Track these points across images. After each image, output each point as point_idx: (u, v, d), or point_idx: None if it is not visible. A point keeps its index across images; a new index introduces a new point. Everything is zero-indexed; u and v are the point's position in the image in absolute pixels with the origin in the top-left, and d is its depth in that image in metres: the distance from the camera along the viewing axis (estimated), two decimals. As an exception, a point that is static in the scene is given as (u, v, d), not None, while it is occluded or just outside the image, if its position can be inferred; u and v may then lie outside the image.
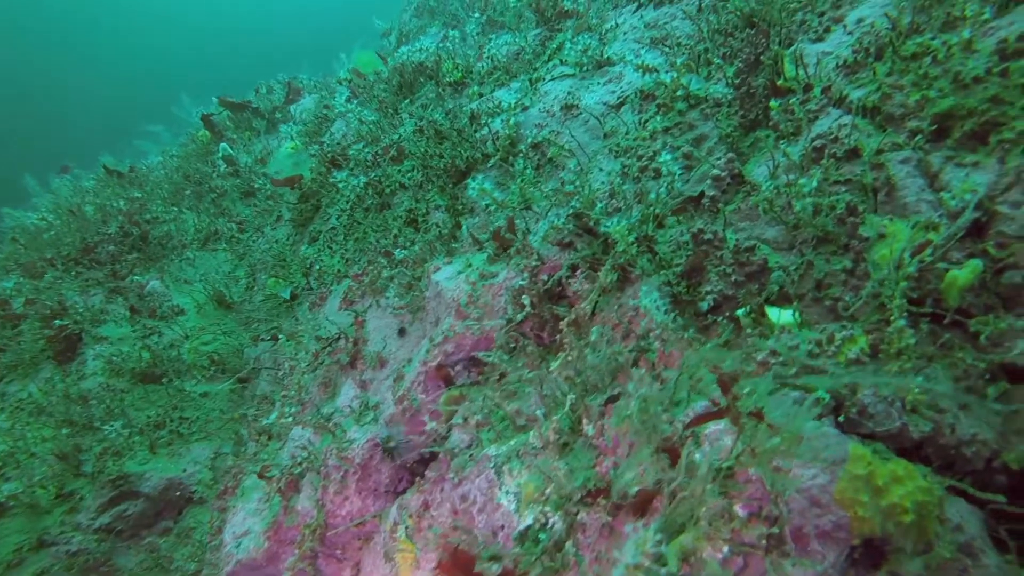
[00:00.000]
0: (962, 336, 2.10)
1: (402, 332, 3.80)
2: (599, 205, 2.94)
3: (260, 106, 9.53)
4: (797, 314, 2.33)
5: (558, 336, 2.78)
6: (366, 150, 5.04)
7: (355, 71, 6.93)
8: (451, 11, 11.28)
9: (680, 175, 2.73)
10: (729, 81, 3.04)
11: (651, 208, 2.69)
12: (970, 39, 2.43)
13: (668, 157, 2.96)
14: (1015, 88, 2.28)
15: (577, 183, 3.26)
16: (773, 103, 2.79)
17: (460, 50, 5.75)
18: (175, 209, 7.99)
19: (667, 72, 3.41)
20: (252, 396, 5.06)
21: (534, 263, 2.97)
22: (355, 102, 5.77)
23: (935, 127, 2.38)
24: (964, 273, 2.17)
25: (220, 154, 8.31)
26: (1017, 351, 1.97)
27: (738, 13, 3.36)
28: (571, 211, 2.99)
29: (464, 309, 3.07)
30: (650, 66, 3.52)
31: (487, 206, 3.58)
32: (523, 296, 2.82)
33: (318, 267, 4.79)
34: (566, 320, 2.63)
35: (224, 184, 8.09)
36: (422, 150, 4.36)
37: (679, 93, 3.15)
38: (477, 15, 10.18)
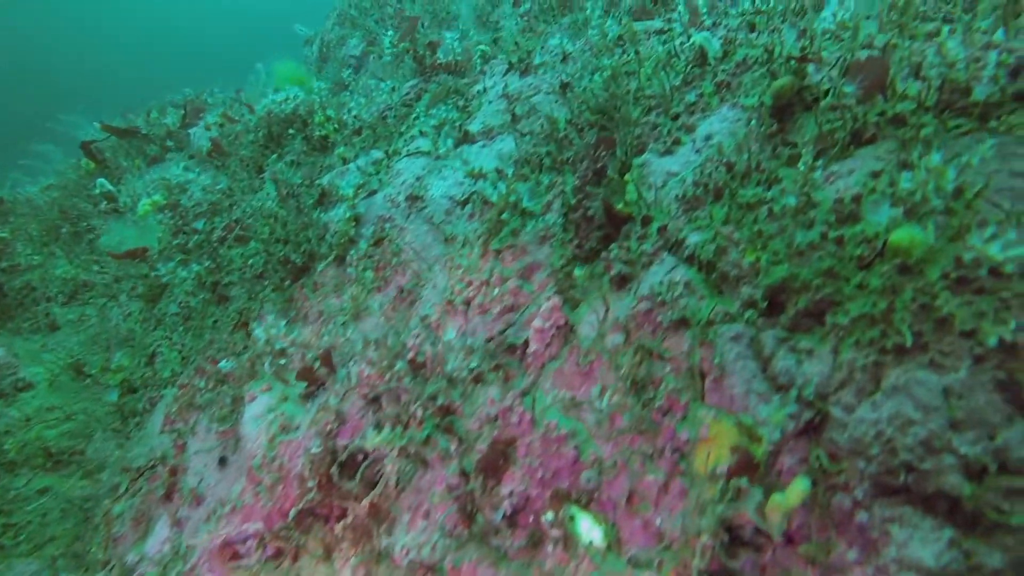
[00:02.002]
0: (794, 558, 1.74)
1: (223, 462, 3.28)
2: (405, 358, 2.48)
3: (152, 132, 8.71)
4: (607, 532, 1.93)
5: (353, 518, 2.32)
6: (214, 220, 4.46)
7: (225, 115, 6.26)
8: (368, 26, 10.61)
9: (500, 313, 2.29)
10: (566, 199, 2.59)
11: (457, 374, 2.25)
12: (809, 190, 2.04)
13: (495, 292, 2.52)
14: (850, 261, 1.90)
15: (396, 321, 2.79)
16: (614, 249, 2.36)
17: (334, 99, 5.18)
18: (46, 252, 7.19)
19: (503, 180, 2.95)
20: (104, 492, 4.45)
21: (333, 423, 2.50)
22: (197, 171, 5.15)
23: (768, 301, 1.99)
24: (789, 496, 1.80)
25: (98, 189, 7.52)
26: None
27: (592, 102, 2.91)
28: (384, 354, 2.52)
29: (257, 472, 2.58)
30: (484, 172, 3.06)
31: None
32: (309, 474, 2.35)
33: (161, 358, 4.21)
34: (346, 521, 2.17)
35: (102, 224, 7.33)
36: (266, 232, 3.81)
37: (511, 205, 2.70)
38: (391, 33, 9.56)
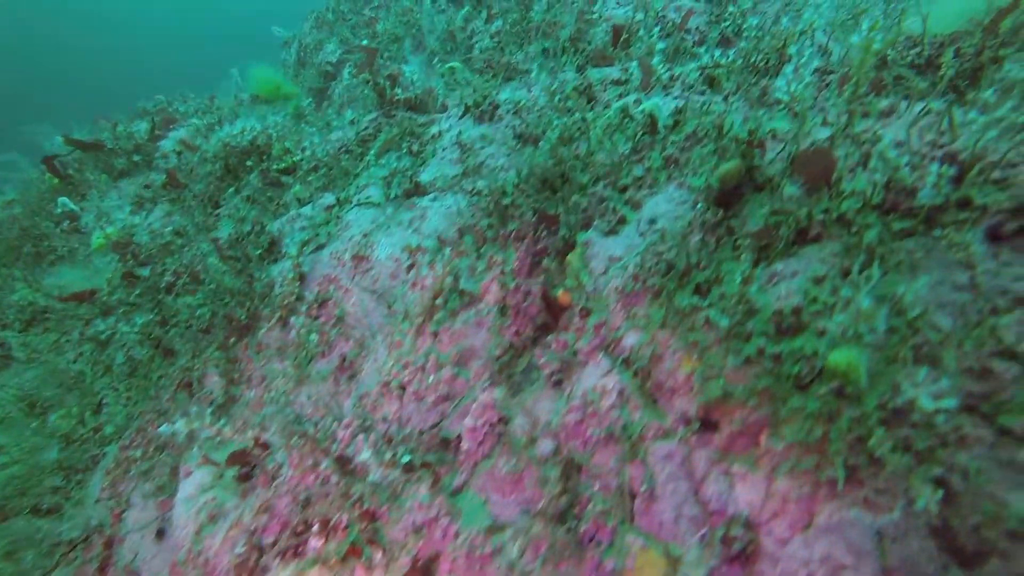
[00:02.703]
0: None
1: (160, 535, 3.16)
2: (332, 456, 2.36)
3: (119, 145, 8.47)
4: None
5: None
6: (165, 262, 4.30)
7: (184, 142, 6.06)
8: (343, 34, 10.39)
9: (435, 402, 2.17)
10: (505, 282, 2.46)
11: (386, 474, 2.13)
12: (747, 299, 1.92)
13: (431, 379, 2.40)
14: (787, 380, 1.78)
15: (338, 394, 2.67)
16: (550, 342, 2.24)
17: (294, 130, 5.01)
18: (4, 273, 6.98)
19: (444, 251, 2.81)
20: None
21: (261, 518, 2.38)
22: (143, 213, 4.97)
23: (702, 420, 1.88)
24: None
25: (59, 209, 7.30)
26: None
27: (539, 169, 2.78)
28: (312, 449, 2.40)
29: (181, 567, 2.46)
30: (423, 247, 2.92)
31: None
32: (229, 582, 2.23)
33: (107, 410, 4.06)
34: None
35: (62, 246, 7.12)
36: (215, 281, 3.66)
37: (448, 287, 2.57)
38: (366, 42, 9.34)
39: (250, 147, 4.96)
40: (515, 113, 3.30)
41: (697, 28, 4.42)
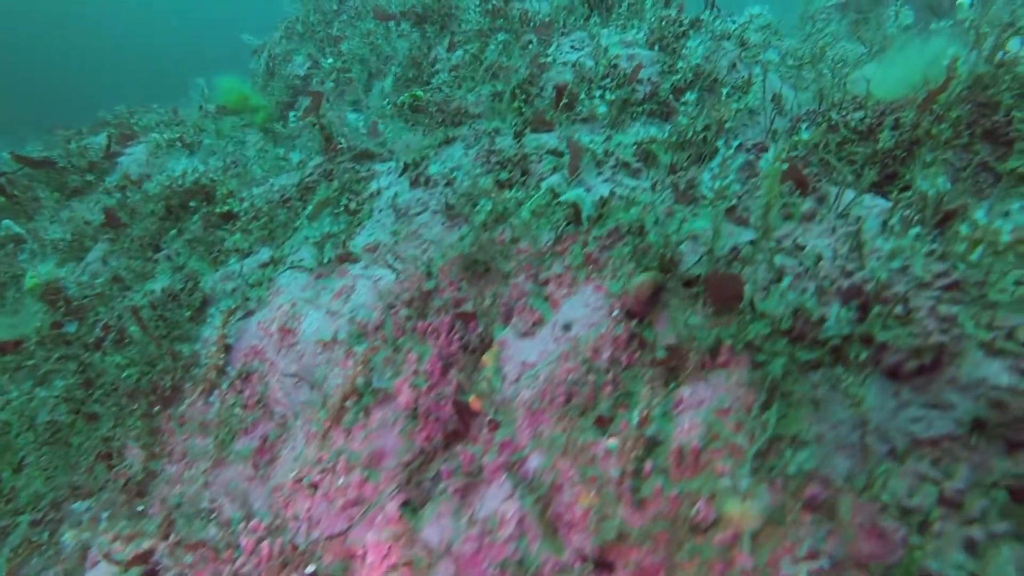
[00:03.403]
0: None
1: (71, 621, 3.03)
2: (237, 552, 2.26)
3: (72, 162, 8.20)
4: None
5: None
6: (98, 312, 4.14)
7: (127, 176, 5.87)
8: (310, 51, 10.20)
9: (344, 506, 2.08)
10: (416, 383, 2.38)
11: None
12: (650, 429, 1.87)
13: (340, 481, 2.31)
14: (683, 524, 1.73)
15: (256, 482, 2.57)
16: (459, 453, 2.16)
17: (238, 171, 4.86)
18: (-53, 302, 6.72)
19: (363, 341, 2.71)
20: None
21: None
22: (70, 265, 4.80)
23: (598, 561, 1.82)
24: None
25: (2, 232, 7.05)
26: None
27: (468, 252, 2.69)
28: (211, 558, 2.29)
29: None
30: (336, 338, 2.83)
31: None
32: None
33: (27, 471, 3.89)
34: None
35: (6, 271, 6.87)
36: (140, 346, 3.52)
37: (362, 384, 2.48)
38: (331, 60, 9.17)
39: (195, 187, 4.81)
40: (447, 184, 3.21)
41: (649, 79, 4.37)
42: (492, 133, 3.38)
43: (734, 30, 5.29)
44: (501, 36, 5.27)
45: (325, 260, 3.42)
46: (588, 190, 2.74)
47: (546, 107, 3.66)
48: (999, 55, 3.58)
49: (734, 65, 4.86)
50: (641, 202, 2.53)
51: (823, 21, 8.25)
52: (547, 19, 5.46)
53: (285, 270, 3.54)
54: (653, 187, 2.59)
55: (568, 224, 2.56)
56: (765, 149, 3.13)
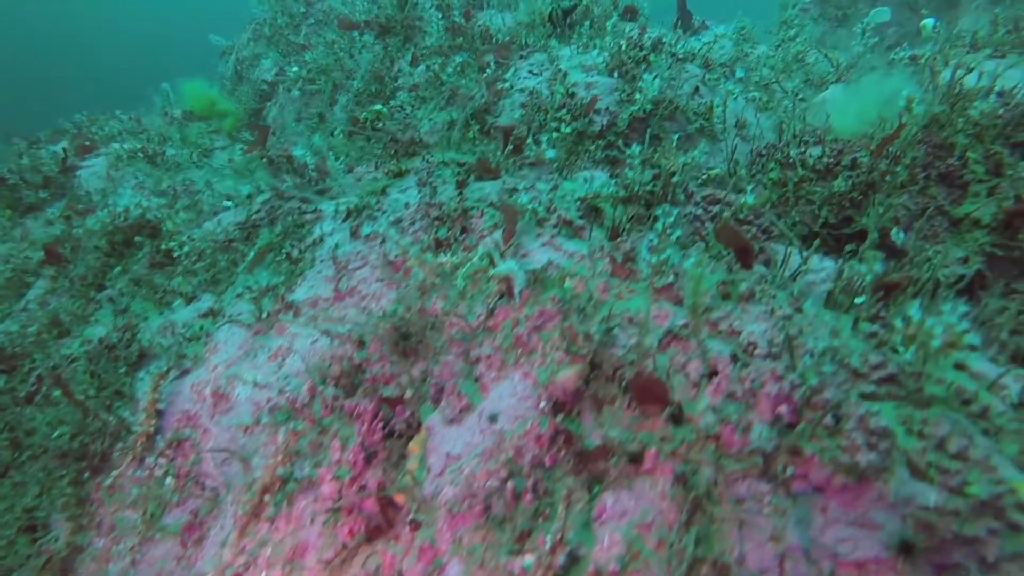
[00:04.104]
0: None
1: None
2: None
3: (23, 179, 7.90)
4: None
5: None
6: (34, 359, 3.98)
7: (71, 206, 5.65)
8: (276, 58, 9.93)
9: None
10: (339, 473, 2.27)
11: None
12: (568, 544, 1.77)
13: (260, 578, 2.20)
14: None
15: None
16: (378, 551, 2.05)
17: (186, 203, 4.68)
18: None
19: (292, 422, 2.59)
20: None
21: None
22: (3, 305, 4.60)
23: None
24: None
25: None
26: None
27: (401, 324, 2.57)
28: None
29: None
30: (254, 423, 2.71)
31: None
32: None
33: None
34: None
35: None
36: (79, 393, 3.38)
37: (285, 472, 2.36)
38: (296, 68, 8.92)
39: (140, 221, 4.62)
40: (382, 243, 3.07)
41: (607, 108, 4.23)
42: (433, 186, 3.23)
43: (699, 50, 5.15)
44: (459, 57, 5.10)
45: (263, 315, 3.28)
46: (525, 256, 2.62)
47: (492, 150, 3.52)
48: (956, 89, 3.48)
49: (696, 89, 4.73)
50: (577, 274, 2.41)
51: (797, 27, 8.13)
52: (508, 38, 5.29)
53: (224, 323, 3.40)
54: (591, 255, 2.48)
55: (501, 297, 2.44)
56: (716, 202, 3.02)
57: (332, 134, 5.73)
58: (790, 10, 8.62)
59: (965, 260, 3.25)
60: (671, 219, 2.34)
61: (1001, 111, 3.37)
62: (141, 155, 7.89)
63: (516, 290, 2.39)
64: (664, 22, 7.83)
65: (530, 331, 2.26)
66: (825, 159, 3.57)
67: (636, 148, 2.85)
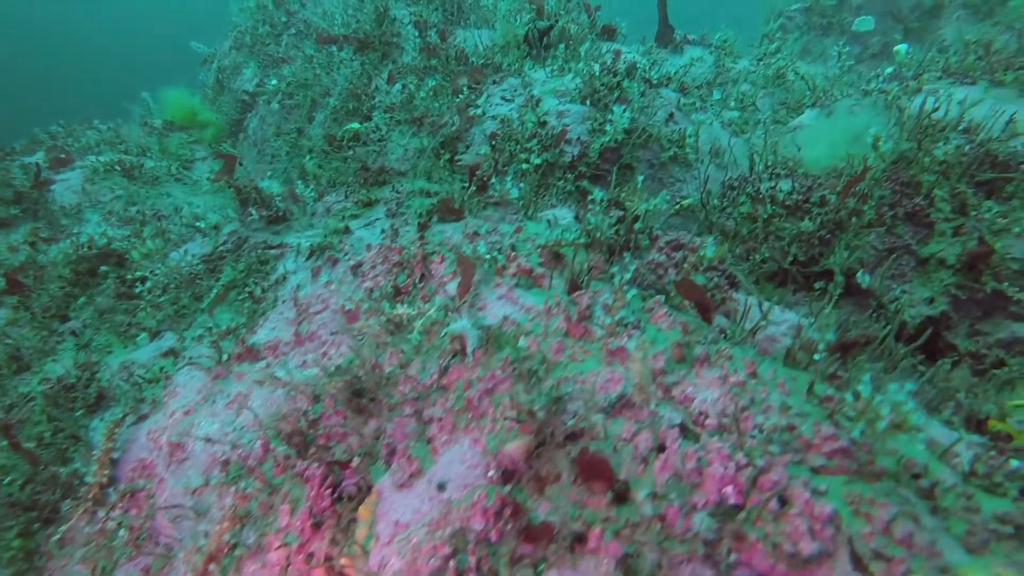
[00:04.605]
0: None
1: None
2: None
3: (-2, 195, 7.76)
4: None
5: None
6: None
7: (36, 231, 5.55)
8: (255, 71, 9.82)
9: None
10: (287, 540, 2.22)
11: None
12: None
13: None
14: None
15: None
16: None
17: (155, 229, 4.60)
18: None
19: (248, 479, 2.53)
20: None
21: None
22: None
23: None
24: None
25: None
26: None
27: (355, 379, 2.52)
28: None
29: None
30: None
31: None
32: None
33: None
34: None
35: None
36: (35, 437, 3.31)
37: (229, 539, 2.31)
38: (275, 82, 8.82)
39: (106, 249, 4.54)
40: (341, 286, 3.01)
41: (579, 139, 4.19)
42: (396, 228, 3.18)
43: (675, 73, 5.12)
44: (432, 81, 5.04)
45: (224, 358, 3.22)
46: (482, 308, 2.58)
47: (459, 186, 3.46)
48: (924, 122, 3.46)
49: (671, 115, 4.69)
50: (532, 332, 2.37)
51: (779, 40, 8.10)
52: (482, 61, 5.23)
53: (183, 366, 3.33)
54: (548, 311, 2.43)
55: (455, 356, 2.40)
56: (680, 247, 2.98)
57: (308, 156, 5.66)
58: (772, 24, 8.58)
59: (931, 301, 3.23)
60: (628, 275, 2.30)
61: (967, 148, 3.36)
62: (118, 168, 7.77)
63: (469, 349, 2.34)
64: (647, 33, 7.77)
65: (481, 394, 2.22)
66: (795, 195, 3.55)
67: (599, 193, 2.80)
